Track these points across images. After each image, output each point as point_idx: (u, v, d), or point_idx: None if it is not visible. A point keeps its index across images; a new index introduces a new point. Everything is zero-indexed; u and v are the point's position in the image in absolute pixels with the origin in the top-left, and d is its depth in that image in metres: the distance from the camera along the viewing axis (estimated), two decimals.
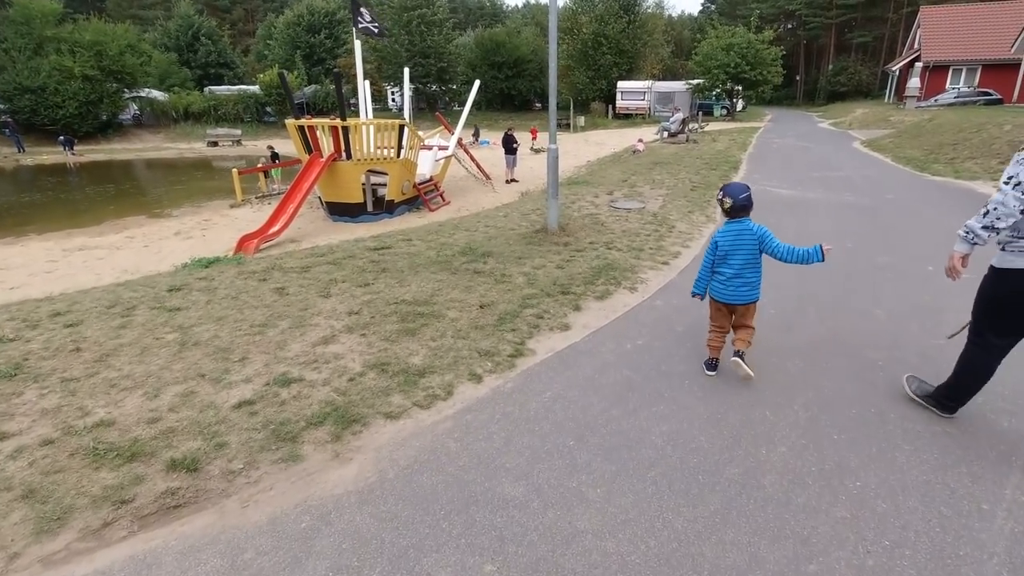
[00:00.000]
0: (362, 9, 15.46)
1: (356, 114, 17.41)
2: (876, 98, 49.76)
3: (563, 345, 3.88)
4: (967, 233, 2.61)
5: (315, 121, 14.40)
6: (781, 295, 4.66)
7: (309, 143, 14.29)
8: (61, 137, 31.90)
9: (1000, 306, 2.63)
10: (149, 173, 28.16)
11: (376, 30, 14.60)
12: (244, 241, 12.11)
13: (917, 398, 3.10)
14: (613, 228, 7.13)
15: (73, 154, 31.71)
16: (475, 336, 3.89)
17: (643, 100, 41.40)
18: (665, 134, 22.45)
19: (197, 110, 41.89)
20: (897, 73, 38.91)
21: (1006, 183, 2.43)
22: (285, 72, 16.82)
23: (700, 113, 32.27)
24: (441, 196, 17.00)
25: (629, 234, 6.82)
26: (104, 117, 36.96)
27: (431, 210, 15.90)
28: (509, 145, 19.67)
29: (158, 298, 4.68)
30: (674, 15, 75.30)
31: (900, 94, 36.06)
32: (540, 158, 25.18)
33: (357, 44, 14.74)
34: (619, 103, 41.88)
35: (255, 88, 43.07)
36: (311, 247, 6.49)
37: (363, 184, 15.18)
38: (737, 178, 11.87)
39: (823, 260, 3.32)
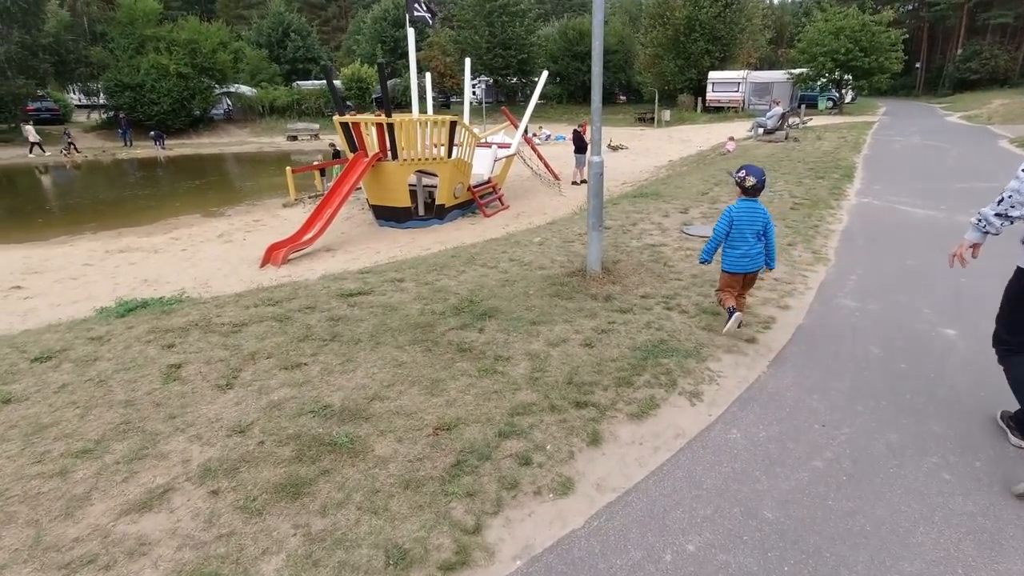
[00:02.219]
0: (419, 1, 14.13)
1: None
2: (1015, 87, 43.15)
3: (549, 539, 2.15)
4: (979, 220, 2.53)
5: (360, 118, 13.22)
6: None
7: (355, 141, 13.15)
8: (152, 132, 33.25)
9: None
10: (225, 168, 28.62)
11: (430, 17, 13.22)
12: (272, 250, 11.10)
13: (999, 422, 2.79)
14: (680, 270, 5.20)
15: (163, 148, 32.97)
16: (398, 508, 2.24)
17: (737, 92, 37.85)
18: (760, 131, 19.66)
19: (282, 104, 42.77)
20: None
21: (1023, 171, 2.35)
22: (331, 66, 15.78)
23: (803, 106, 28.69)
24: (500, 199, 15.43)
25: (702, 281, 4.89)
26: (196, 112, 38.31)
27: (486, 215, 14.38)
28: (579, 143, 17.77)
29: (10, 372, 3.39)
30: (775, 1, 69.41)
31: None
32: (619, 156, 22.99)
33: (411, 33, 13.37)
34: (710, 95, 38.56)
35: (337, 82, 43.33)
36: (276, 286, 5.11)
37: (413, 186, 13.91)
38: (853, 190, 9.41)
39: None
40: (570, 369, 3.36)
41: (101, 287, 9.66)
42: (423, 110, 13.24)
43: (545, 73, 17.70)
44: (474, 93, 47.70)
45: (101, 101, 37.20)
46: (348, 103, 42.77)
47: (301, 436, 2.67)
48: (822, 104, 35.58)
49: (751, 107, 36.95)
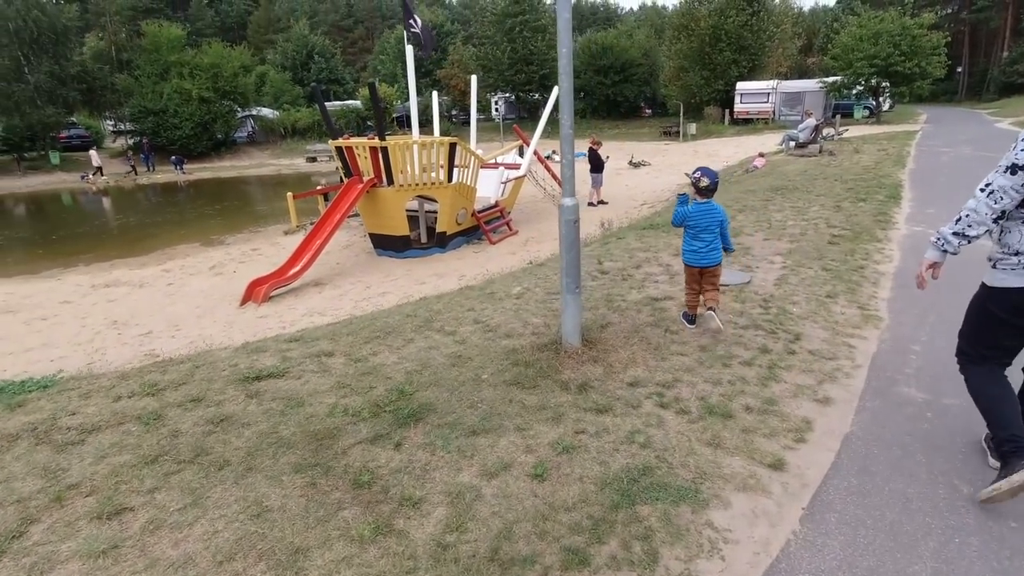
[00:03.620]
0: (415, 17, 13.31)
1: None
2: None
3: None
4: (938, 239, 2.54)
5: (353, 141, 12.40)
6: None
7: (350, 166, 12.34)
8: (173, 157, 33.40)
9: (992, 325, 2.47)
10: (240, 192, 28.36)
11: (423, 43, 12.36)
12: (254, 286, 10.28)
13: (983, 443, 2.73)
14: (686, 338, 4.04)
15: (183, 172, 33.07)
16: None
17: (766, 102, 36.27)
18: (792, 144, 18.25)
19: (303, 126, 42.80)
20: None
21: (982, 190, 2.33)
22: (318, 86, 15.04)
23: (837, 116, 27.05)
24: (508, 224, 14.42)
25: (713, 358, 3.74)
26: (219, 136, 38.51)
27: (492, 242, 13.39)
28: (595, 161, 16.70)
29: None
30: (805, 8, 67.37)
31: None
32: (640, 174, 21.79)
33: (409, 51, 12.55)
34: (738, 107, 37.03)
35: (357, 103, 43.28)
36: (175, 361, 4.14)
37: (415, 212, 13.02)
38: (902, 215, 8.06)
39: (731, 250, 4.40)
40: (502, 527, 2.26)
41: (64, 331, 8.98)
42: (429, 131, 12.35)
43: (556, 89, 16.64)
44: (496, 110, 47.16)
45: (127, 127, 37.69)
46: (369, 124, 42.58)
47: None
48: (858, 113, 33.76)
49: (782, 118, 35.32)
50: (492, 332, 4.27)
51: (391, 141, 11.65)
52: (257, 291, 10.17)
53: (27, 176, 31.86)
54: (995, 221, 2.35)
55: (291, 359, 3.96)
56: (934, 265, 2.59)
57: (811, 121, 18.29)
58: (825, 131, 20.42)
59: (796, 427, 2.96)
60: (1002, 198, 2.27)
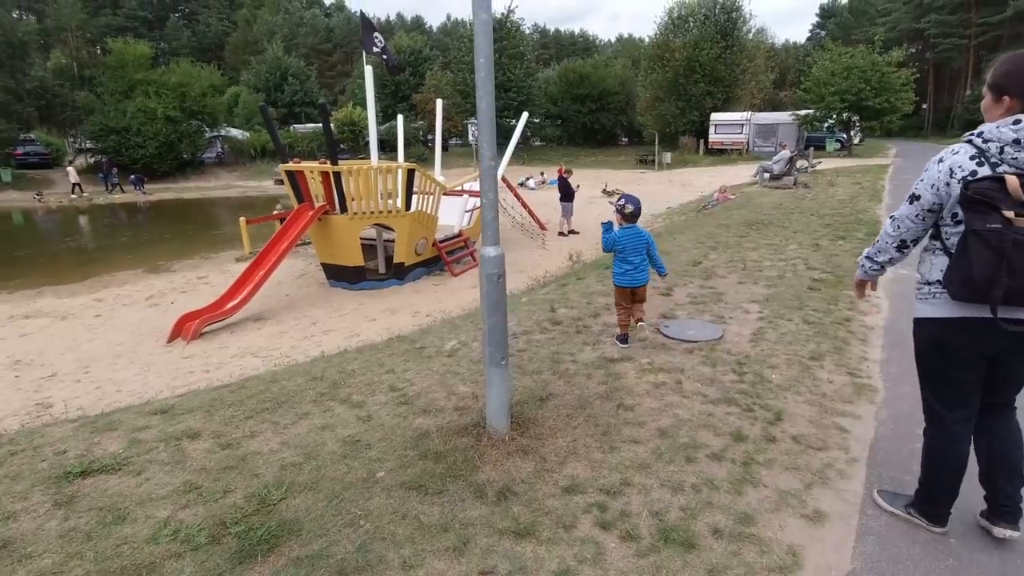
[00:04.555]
0: (376, 35, 12.71)
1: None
2: None
3: None
4: (859, 260, 2.55)
5: (304, 165, 11.62)
6: None
7: (301, 192, 11.53)
8: (132, 176, 32.16)
9: (924, 366, 2.33)
10: (200, 214, 27.24)
11: (389, 61, 11.74)
12: (184, 322, 9.34)
13: (900, 512, 2.50)
14: (642, 416, 3.25)
15: (143, 193, 31.81)
16: None
17: (740, 134, 36.51)
18: (766, 176, 17.94)
19: (273, 148, 41.84)
20: None
21: (891, 218, 2.32)
22: (267, 106, 14.27)
23: (811, 148, 27.13)
24: (472, 255, 13.66)
25: (674, 448, 2.97)
26: (185, 156, 37.36)
27: (454, 274, 12.62)
28: (566, 190, 16.13)
29: None
30: (777, 43, 69.03)
31: None
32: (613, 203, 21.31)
33: (368, 71, 11.87)
34: (712, 137, 37.23)
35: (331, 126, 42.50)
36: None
37: (372, 241, 12.22)
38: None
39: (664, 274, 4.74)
40: None
41: None
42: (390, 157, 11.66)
43: (525, 115, 16.18)
44: (474, 136, 46.86)
45: (88, 145, 36.34)
46: (342, 147, 41.81)
47: None
48: (830, 146, 34.09)
49: (755, 149, 35.54)
50: (407, 405, 3.44)
51: (344, 166, 10.90)
52: (187, 327, 9.22)
53: None
54: (899, 250, 2.32)
55: (142, 443, 3.08)
56: (861, 284, 2.59)
57: (785, 153, 18.03)
58: (799, 163, 20.23)
59: (780, 564, 2.19)
60: (900, 227, 2.26)
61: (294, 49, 68.52)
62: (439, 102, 16.13)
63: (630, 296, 4.52)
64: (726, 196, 15.52)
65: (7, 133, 31.32)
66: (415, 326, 7.89)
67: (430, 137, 50.02)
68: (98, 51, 39.50)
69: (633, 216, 4.47)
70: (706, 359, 4.06)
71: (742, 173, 24.82)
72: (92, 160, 36.28)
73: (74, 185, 30.22)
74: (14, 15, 35.14)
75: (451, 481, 2.64)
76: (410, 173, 11.27)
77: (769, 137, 34.70)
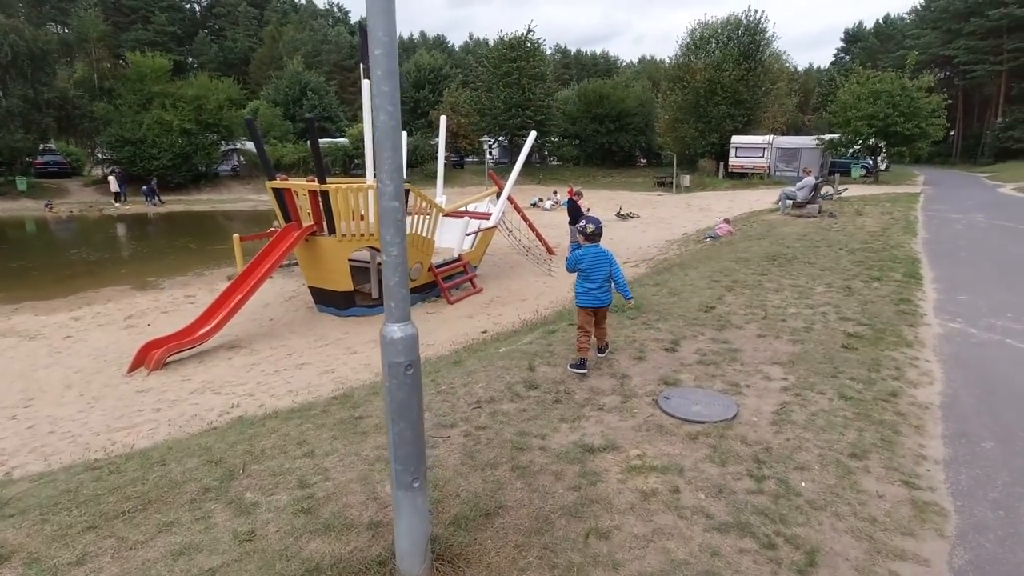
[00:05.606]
0: None
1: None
2: None
3: None
4: None
5: (291, 184, 10.94)
6: None
7: (288, 211, 10.85)
8: (144, 187, 32.04)
9: None
10: (208, 227, 26.84)
11: None
12: (148, 349, 8.62)
13: None
14: (620, 550, 2.35)
15: (154, 204, 31.65)
16: None
17: (761, 157, 35.49)
18: (789, 203, 16.92)
19: (289, 162, 41.68)
20: None
21: None
22: (253, 119, 13.65)
23: (836, 174, 26.00)
24: (472, 281, 12.84)
25: None
26: (200, 168, 37.34)
27: (450, 302, 11.79)
28: (575, 212, 15.26)
29: None
30: (799, 68, 67.99)
31: None
32: (628, 227, 20.36)
33: (365, 84, 11.22)
34: (733, 160, 36.25)
35: (344, 140, 42.33)
36: None
37: (363, 264, 11.48)
38: (929, 303, 6.47)
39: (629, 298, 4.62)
40: None
41: None
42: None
43: (533, 134, 15.44)
44: (490, 154, 46.36)
45: (103, 155, 36.46)
46: (356, 163, 41.54)
47: None
48: (855, 172, 32.90)
49: (777, 173, 34.47)
50: (309, 515, 2.57)
51: (332, 185, 10.18)
52: (151, 356, 8.50)
53: None
54: None
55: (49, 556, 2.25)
56: None
57: (809, 180, 17.01)
58: (824, 189, 19.17)
59: None
60: None
61: (318, 65, 69.07)
62: (443, 118, 15.46)
63: (592, 318, 4.52)
64: (728, 230, 14.53)
65: (25, 143, 31.45)
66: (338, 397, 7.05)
67: (447, 155, 49.54)
68: (120, 63, 39.75)
69: (594, 236, 4.52)
70: (714, 451, 3.13)
71: (763, 198, 23.78)
72: (107, 170, 36.36)
73: (116, 194, 31.49)
74: (47, 27, 35.59)
75: None
76: (404, 194, 10.48)
77: (791, 161, 33.65)
